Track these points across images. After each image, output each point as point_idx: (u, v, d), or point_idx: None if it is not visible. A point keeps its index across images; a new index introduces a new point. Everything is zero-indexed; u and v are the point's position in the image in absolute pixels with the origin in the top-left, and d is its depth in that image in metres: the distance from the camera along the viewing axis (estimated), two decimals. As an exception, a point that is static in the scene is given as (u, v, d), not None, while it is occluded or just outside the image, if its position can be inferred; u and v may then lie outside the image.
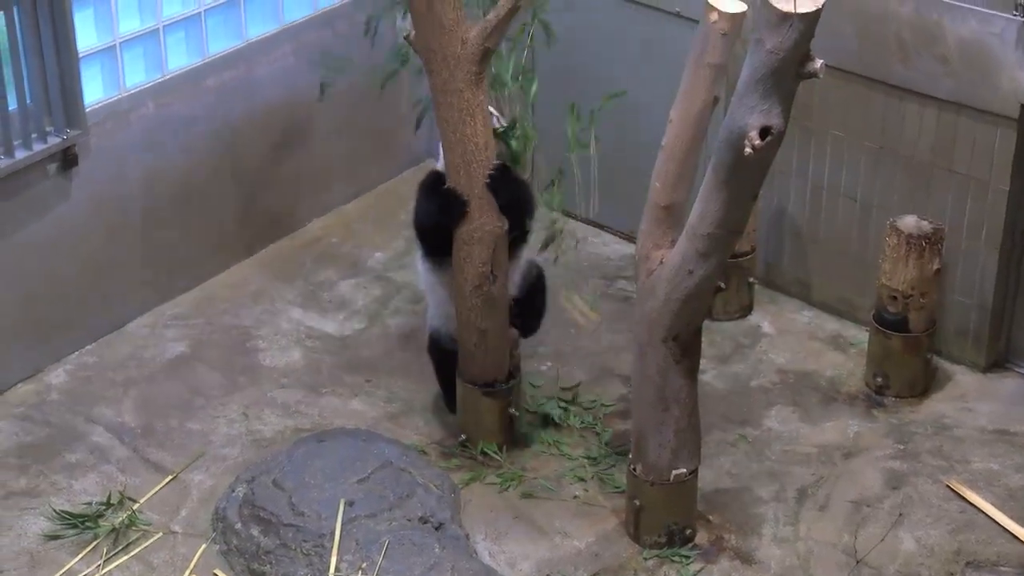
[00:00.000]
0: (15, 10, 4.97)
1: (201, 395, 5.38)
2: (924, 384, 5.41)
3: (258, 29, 5.83)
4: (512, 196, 4.69)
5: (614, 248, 6.21)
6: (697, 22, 4.22)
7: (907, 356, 5.34)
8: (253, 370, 5.52)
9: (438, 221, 4.75)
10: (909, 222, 5.22)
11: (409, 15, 4.49)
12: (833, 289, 5.79)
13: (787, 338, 5.72)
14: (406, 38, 4.52)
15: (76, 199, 5.39)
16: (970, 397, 5.41)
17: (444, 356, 5.13)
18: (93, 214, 5.46)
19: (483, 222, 4.67)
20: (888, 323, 5.31)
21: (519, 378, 5.10)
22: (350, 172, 6.30)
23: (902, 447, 5.17)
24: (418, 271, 5.17)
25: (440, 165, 4.78)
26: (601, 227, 6.30)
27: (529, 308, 5.12)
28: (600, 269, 6.10)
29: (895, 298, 5.26)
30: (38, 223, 5.29)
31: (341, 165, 6.28)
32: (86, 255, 5.49)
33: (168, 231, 5.75)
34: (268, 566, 4.57)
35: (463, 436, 5.09)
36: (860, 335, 5.61)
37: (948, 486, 4.98)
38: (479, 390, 4.99)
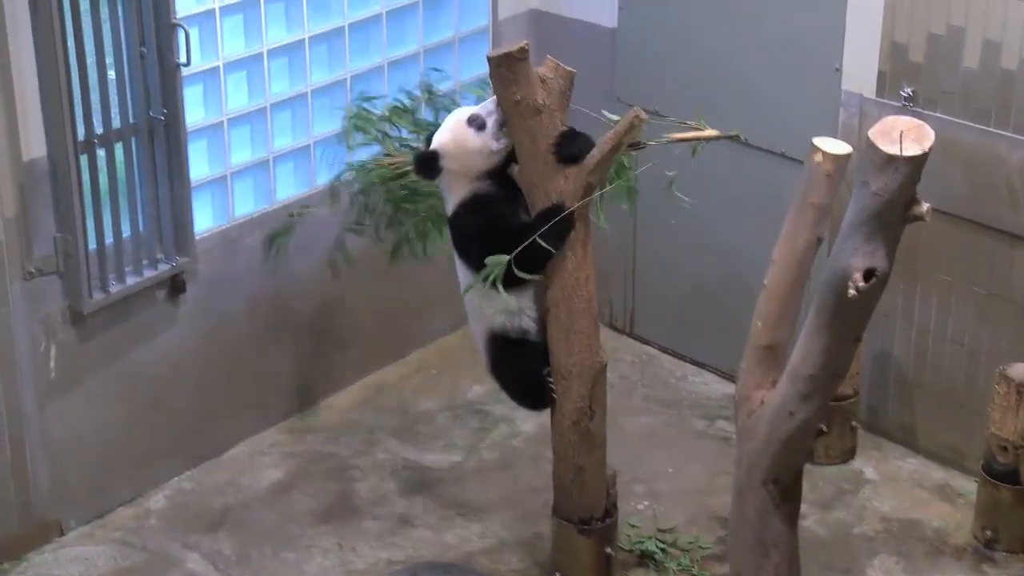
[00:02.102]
0: (133, 141, 5.12)
1: (296, 524, 5.38)
2: (1036, 538, 5.25)
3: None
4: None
5: (715, 387, 6.15)
6: (801, 162, 4.22)
7: (1019, 509, 5.17)
8: (348, 500, 5.51)
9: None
10: (1019, 370, 5.10)
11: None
12: (940, 436, 5.66)
13: (891, 485, 5.58)
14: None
15: (182, 325, 5.48)
16: (1085, 553, 5.23)
17: (514, 347, 4.67)
18: (198, 340, 5.54)
19: (581, 356, 4.65)
20: (998, 474, 5.16)
21: (616, 516, 5.03)
22: (451, 303, 6.32)
23: (1012, 603, 5.00)
24: (463, 278, 4.69)
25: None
26: (702, 366, 6.26)
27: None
28: (700, 408, 6.03)
29: (1005, 448, 5.12)
30: (145, 348, 5.38)
31: (442, 296, 6.31)
32: (189, 381, 5.56)
33: (270, 359, 5.81)
34: None
35: (557, 574, 5.01)
36: (968, 485, 5.46)
37: (1060, 646, 4.79)
38: (574, 527, 4.92)
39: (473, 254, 4.53)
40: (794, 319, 4.26)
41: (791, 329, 4.27)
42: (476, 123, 4.47)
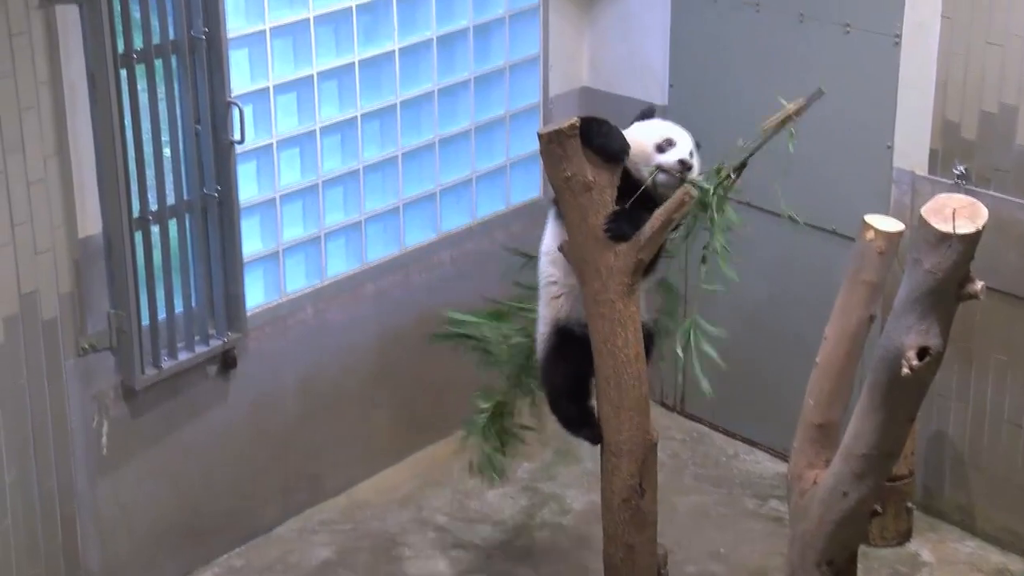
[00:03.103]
0: (187, 218, 5.16)
1: (344, 602, 5.36)
2: (1097, 623, 5.14)
3: (416, 238, 5.96)
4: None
5: (766, 466, 6.08)
6: (853, 240, 4.20)
7: (1078, 592, 5.08)
8: (397, 578, 5.49)
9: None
10: (1078, 450, 5.03)
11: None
12: (998, 519, 5.56)
13: (948, 569, 5.49)
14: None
15: (232, 401, 5.49)
16: None
17: (576, 346, 4.52)
18: (248, 416, 5.55)
19: (631, 434, 4.62)
20: (1057, 557, 5.08)
21: (666, 598, 4.96)
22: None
23: None
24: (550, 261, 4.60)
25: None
26: (754, 444, 6.20)
27: None
28: (752, 487, 5.97)
29: (1064, 530, 5.04)
30: (195, 424, 5.39)
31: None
32: (239, 457, 5.56)
33: (320, 435, 5.81)
34: None
35: (607, 656, 4.94)
36: (1028, 569, 5.38)
37: None
38: (625, 609, 4.86)
39: None
40: (847, 397, 4.22)
41: (844, 408, 4.22)
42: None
